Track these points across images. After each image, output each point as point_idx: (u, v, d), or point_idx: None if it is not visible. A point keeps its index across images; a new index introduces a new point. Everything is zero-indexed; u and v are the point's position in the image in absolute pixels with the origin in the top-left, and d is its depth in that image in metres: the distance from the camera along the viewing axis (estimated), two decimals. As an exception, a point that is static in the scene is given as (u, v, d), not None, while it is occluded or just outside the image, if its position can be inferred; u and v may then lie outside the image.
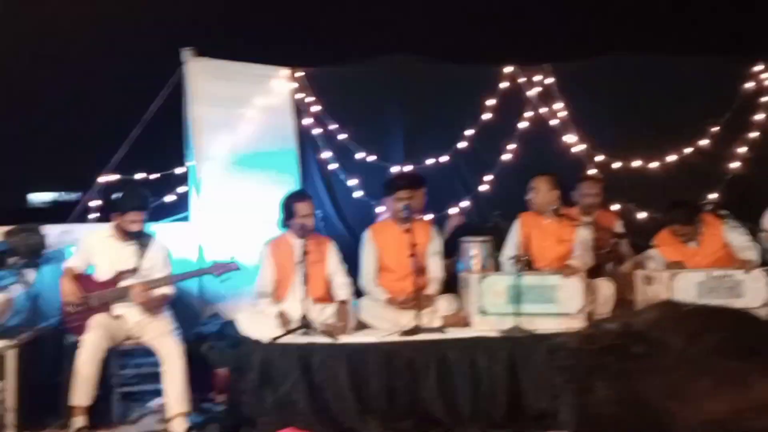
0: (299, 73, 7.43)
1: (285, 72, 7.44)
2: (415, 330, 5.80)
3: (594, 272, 6.61)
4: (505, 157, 7.57)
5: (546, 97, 7.68)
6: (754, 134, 7.84)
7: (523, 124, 7.63)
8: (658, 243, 6.68)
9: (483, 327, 5.84)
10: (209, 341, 6.12)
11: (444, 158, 7.52)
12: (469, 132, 7.55)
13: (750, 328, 0.81)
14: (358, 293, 6.31)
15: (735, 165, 7.75)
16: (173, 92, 7.03)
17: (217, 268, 6.03)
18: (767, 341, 0.80)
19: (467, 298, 6.09)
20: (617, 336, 0.82)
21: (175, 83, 7.02)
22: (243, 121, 7.15)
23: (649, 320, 0.84)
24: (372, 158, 7.41)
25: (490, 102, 7.58)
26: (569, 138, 7.67)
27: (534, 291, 5.93)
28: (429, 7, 7.67)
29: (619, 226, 7.19)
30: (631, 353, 0.80)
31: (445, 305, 6.19)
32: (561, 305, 5.91)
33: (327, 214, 7.28)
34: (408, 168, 7.37)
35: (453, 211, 7.49)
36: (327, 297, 6.18)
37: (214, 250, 6.65)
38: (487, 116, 7.58)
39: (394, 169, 7.39)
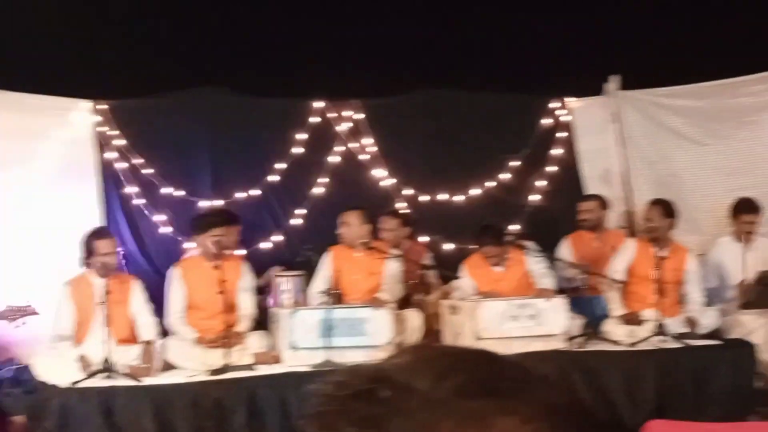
0: (102, 106, 7.19)
1: (86, 104, 7.17)
2: (224, 369, 5.68)
3: (403, 303, 6.75)
4: (316, 191, 7.60)
5: (356, 132, 7.78)
6: (551, 168, 8.25)
7: (333, 159, 7.69)
8: (468, 266, 6.88)
9: (294, 362, 5.80)
10: (3, 388, 5.76)
11: (255, 192, 7.46)
12: (279, 166, 7.53)
13: (491, 367, 0.82)
14: (165, 332, 6.12)
15: (534, 197, 8.12)
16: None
17: (11, 313, 5.69)
18: (506, 379, 0.81)
19: (278, 333, 6.04)
20: (366, 381, 0.82)
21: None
22: (38, 156, 6.81)
23: (400, 364, 0.84)
24: (180, 193, 7.25)
25: (301, 136, 7.61)
26: (378, 172, 7.80)
27: (344, 324, 5.97)
28: (237, 39, 7.61)
29: (427, 258, 7.38)
30: (378, 398, 0.79)
31: (256, 342, 6.11)
32: (371, 337, 5.97)
33: (130, 252, 7.04)
34: (217, 203, 7.25)
35: (265, 245, 7.43)
36: (131, 338, 5.97)
37: (9, 293, 6.26)
38: (297, 150, 7.59)
39: (203, 204, 7.26)
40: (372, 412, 0.79)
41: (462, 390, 0.78)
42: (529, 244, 6.88)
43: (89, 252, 5.86)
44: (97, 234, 6.00)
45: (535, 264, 6.76)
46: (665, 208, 6.88)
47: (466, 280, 6.82)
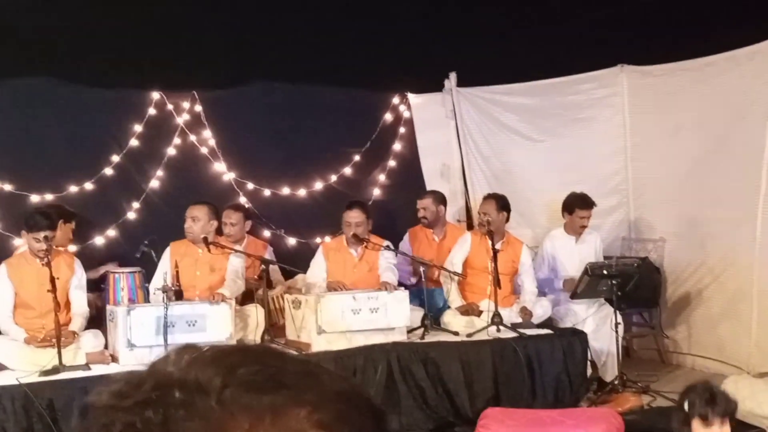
0: None
1: None
2: (57, 369, 5.44)
3: (245, 299, 6.67)
4: (154, 184, 7.38)
5: (195, 123, 7.61)
6: (392, 162, 8.35)
7: (171, 151, 7.49)
8: (325, 248, 6.85)
9: (131, 361, 5.61)
10: None
11: (89, 185, 7.16)
12: (115, 158, 7.26)
13: (275, 361, 0.82)
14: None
15: (376, 192, 8.20)
16: None
17: None
18: (292, 372, 0.80)
19: (114, 332, 5.83)
20: (152, 386, 0.78)
21: None
22: None
23: (180, 365, 0.81)
24: (9, 187, 6.87)
25: (137, 128, 7.37)
26: (219, 166, 7.67)
27: (183, 321, 5.84)
28: (74, 28, 7.25)
29: (269, 253, 7.32)
30: (169, 402, 0.77)
31: (89, 342, 5.87)
32: (211, 333, 5.86)
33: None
34: (49, 197, 6.92)
35: (99, 240, 7.15)
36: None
37: None
38: (134, 142, 7.35)
39: (35, 199, 6.91)
40: (166, 416, 0.76)
41: (252, 385, 0.78)
42: (384, 242, 6.92)
43: None
44: None
45: (383, 258, 6.82)
46: (499, 202, 7.10)
47: (318, 263, 6.77)
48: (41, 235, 5.70)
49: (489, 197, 7.22)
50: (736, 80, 7.41)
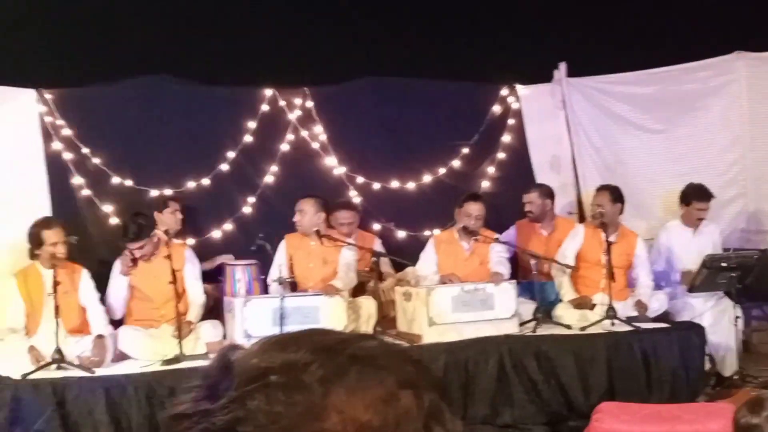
0: (48, 95, 7.05)
1: (32, 94, 7.02)
2: (178, 358, 5.64)
3: (357, 291, 6.76)
4: (268, 179, 7.55)
5: (306, 119, 7.74)
6: (501, 155, 8.30)
7: (284, 147, 7.65)
8: (437, 240, 6.88)
9: (248, 351, 5.76)
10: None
11: (205, 181, 7.39)
12: (230, 154, 7.46)
13: (341, 337, 0.88)
14: (113, 321, 6.07)
15: (485, 184, 8.17)
16: None
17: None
18: (362, 347, 0.86)
19: (232, 322, 6.01)
20: (246, 381, 0.82)
21: None
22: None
23: (260, 351, 0.85)
24: (129, 183, 7.14)
25: (251, 124, 7.55)
26: (330, 160, 7.78)
27: (298, 312, 5.96)
28: (187, 28, 7.51)
29: (379, 246, 7.39)
30: (268, 387, 0.81)
31: (208, 332, 6.07)
32: (324, 325, 5.96)
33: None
34: (167, 192, 7.17)
35: (216, 234, 7.36)
36: (82, 328, 5.89)
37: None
38: (248, 138, 7.53)
39: (154, 194, 7.17)
40: (270, 401, 0.80)
41: (334, 359, 0.83)
42: (495, 234, 6.91)
43: (37, 243, 5.76)
44: (44, 224, 5.90)
45: (494, 251, 6.80)
46: (613, 194, 6.98)
47: (429, 256, 6.80)
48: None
49: (602, 188, 7.11)
50: None
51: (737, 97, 8.25)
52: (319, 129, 7.76)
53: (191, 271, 6.29)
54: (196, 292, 6.25)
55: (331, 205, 6.93)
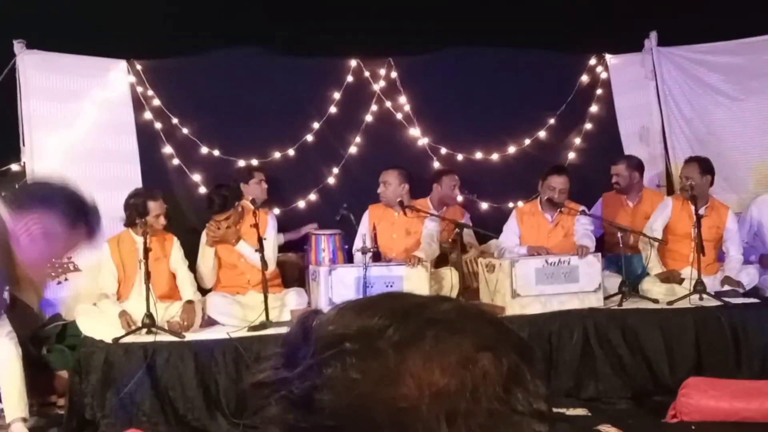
0: (138, 66, 7.21)
1: (123, 64, 7.20)
2: (264, 325, 5.75)
3: (440, 262, 6.77)
4: (352, 150, 7.59)
5: (390, 90, 7.74)
6: (589, 126, 8.17)
7: (368, 118, 7.67)
8: (519, 212, 6.83)
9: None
10: (48, 343, 5.87)
11: (291, 151, 7.47)
12: (315, 125, 7.53)
13: (419, 304, 0.87)
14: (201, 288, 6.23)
15: (571, 156, 8.06)
16: (6, 86, 6.67)
17: (54, 269, 5.76)
18: (438, 310, 0.85)
19: (317, 290, 6.09)
20: (322, 347, 0.83)
21: (7, 77, 6.66)
22: (80, 117, 6.86)
23: (337, 318, 0.86)
24: (217, 153, 7.27)
25: (336, 95, 7.59)
26: (413, 131, 7.78)
27: (381, 281, 6.01)
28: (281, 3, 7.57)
29: (465, 218, 7.38)
30: (344, 354, 0.81)
31: (293, 299, 6.16)
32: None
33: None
34: (255, 162, 7.28)
35: (301, 204, 7.45)
36: (172, 294, 6.06)
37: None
38: (332, 109, 7.58)
39: (241, 164, 7.29)
40: (344, 367, 0.81)
41: (408, 324, 0.82)
42: (580, 207, 6.82)
43: (141, 212, 5.90)
44: (149, 195, 6.06)
45: (579, 223, 6.72)
46: (702, 166, 6.80)
47: (512, 228, 6.76)
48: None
49: (691, 160, 6.93)
50: None
51: (835, 66, 7.92)
52: (403, 100, 7.76)
53: (269, 234, 6.36)
54: (270, 255, 6.30)
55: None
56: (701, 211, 6.47)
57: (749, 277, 6.70)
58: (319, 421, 0.80)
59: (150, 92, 7.20)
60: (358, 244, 6.46)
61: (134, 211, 5.95)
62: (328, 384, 0.80)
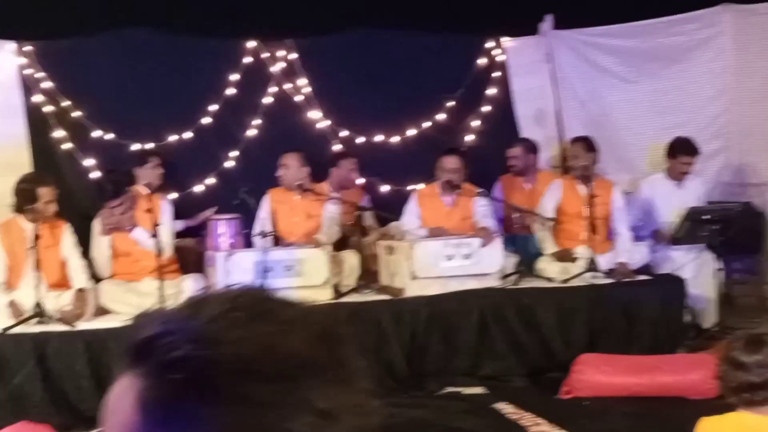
0: (27, 47, 6.97)
1: (11, 46, 6.95)
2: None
3: (340, 245, 6.76)
4: (250, 132, 7.51)
5: (289, 72, 7.68)
6: (486, 108, 8.26)
7: (267, 100, 7.59)
8: (419, 195, 6.85)
9: (230, 304, 5.76)
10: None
11: (187, 134, 7.34)
12: (212, 107, 7.41)
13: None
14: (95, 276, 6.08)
15: (470, 138, 8.15)
16: None
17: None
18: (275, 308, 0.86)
19: (214, 276, 6.01)
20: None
21: None
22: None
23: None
24: (110, 136, 7.09)
25: (234, 77, 7.48)
26: (313, 114, 7.73)
27: (281, 265, 5.97)
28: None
29: (365, 201, 7.39)
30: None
31: (191, 285, 6.08)
32: (307, 278, 5.99)
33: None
34: (149, 145, 7.13)
35: (198, 188, 7.34)
36: (63, 282, 5.89)
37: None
38: (230, 91, 7.47)
39: (135, 147, 7.12)
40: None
41: (239, 320, 0.82)
42: (478, 189, 6.88)
43: (29, 199, 5.71)
44: (38, 180, 5.86)
45: (479, 205, 6.79)
46: (587, 144, 6.98)
47: (411, 210, 6.80)
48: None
49: (577, 140, 7.14)
50: None
51: (723, 49, 8.19)
52: (302, 82, 7.71)
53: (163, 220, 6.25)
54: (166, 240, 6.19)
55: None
56: (590, 190, 6.61)
57: (640, 254, 6.91)
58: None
59: (40, 74, 6.97)
60: (257, 228, 6.40)
61: (23, 197, 5.76)
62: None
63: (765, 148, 7.83)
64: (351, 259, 6.43)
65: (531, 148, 7.58)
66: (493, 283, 6.36)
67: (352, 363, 0.86)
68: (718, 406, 2.94)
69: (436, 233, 6.56)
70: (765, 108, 7.86)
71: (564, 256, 6.76)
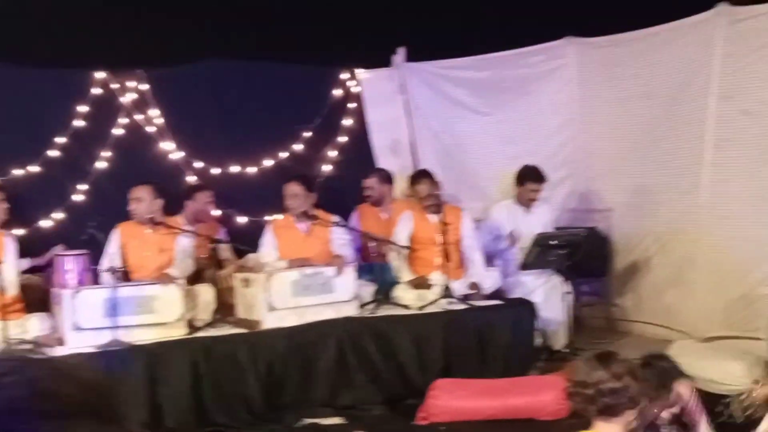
0: None
1: None
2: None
3: (195, 279, 6.64)
4: (100, 165, 7.30)
5: (141, 103, 7.52)
6: (343, 138, 8.34)
7: (117, 131, 7.41)
8: (275, 226, 6.78)
9: (78, 344, 5.56)
10: None
11: (34, 168, 7.07)
12: (60, 139, 7.17)
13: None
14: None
15: (327, 167, 8.19)
16: None
17: None
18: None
19: (60, 315, 5.78)
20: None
21: None
22: None
23: None
24: (-52, 171, 6.76)
25: (82, 108, 7.27)
26: (166, 145, 7.60)
27: (132, 302, 5.79)
28: (11, 7, 7.13)
29: (220, 232, 7.30)
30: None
31: (37, 325, 5.83)
32: (160, 314, 5.85)
33: None
34: (-8, 180, 6.82)
35: (46, 223, 7.07)
36: None
37: None
38: (79, 123, 7.26)
39: (-22, 182, 6.80)
40: None
41: None
42: (334, 217, 6.90)
43: None
44: None
45: (336, 234, 6.81)
46: (428, 177, 7.14)
47: (268, 241, 6.73)
48: None
49: (417, 176, 7.27)
50: (680, 50, 7.50)
51: (568, 80, 8.56)
52: (155, 113, 7.57)
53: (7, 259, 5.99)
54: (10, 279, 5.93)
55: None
56: (442, 218, 6.75)
57: (492, 279, 7.09)
58: None
59: None
60: (104, 264, 6.21)
61: None
62: None
63: (608, 175, 8.20)
64: (206, 293, 6.32)
65: (386, 178, 7.70)
66: (351, 312, 6.38)
67: (121, 408, 0.86)
68: (567, 426, 3.04)
69: (296, 264, 6.52)
70: (608, 137, 8.24)
71: (419, 283, 6.86)
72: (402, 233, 7.01)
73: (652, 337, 7.42)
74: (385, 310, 6.55)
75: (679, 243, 7.40)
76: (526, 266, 7.15)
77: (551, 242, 7.03)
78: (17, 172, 7.02)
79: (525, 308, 6.77)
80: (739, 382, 5.17)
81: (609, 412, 2.84)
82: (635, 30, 7.91)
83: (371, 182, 7.63)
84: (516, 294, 7.15)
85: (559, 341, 7.13)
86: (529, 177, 7.47)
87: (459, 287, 6.77)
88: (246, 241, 7.15)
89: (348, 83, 8.48)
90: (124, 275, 6.19)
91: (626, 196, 7.99)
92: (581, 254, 7.12)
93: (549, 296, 7.16)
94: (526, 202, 7.51)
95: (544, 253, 7.03)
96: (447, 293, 6.57)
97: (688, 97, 7.35)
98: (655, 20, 7.70)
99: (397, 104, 8.56)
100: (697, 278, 7.17)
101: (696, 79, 7.28)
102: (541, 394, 5.64)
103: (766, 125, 6.70)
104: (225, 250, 7.15)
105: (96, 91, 7.37)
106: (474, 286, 6.87)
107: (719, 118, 7.05)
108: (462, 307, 6.56)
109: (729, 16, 7.04)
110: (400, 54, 8.49)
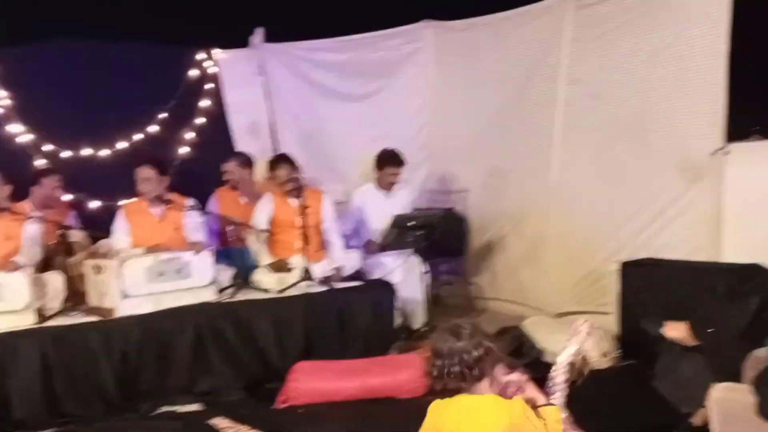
0: None
1: None
2: None
3: (44, 266, 6.39)
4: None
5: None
6: (200, 120, 8.19)
7: (-40, 114, 7.06)
8: (126, 210, 6.58)
9: None
10: None
11: None
12: None
13: None
14: None
15: (184, 150, 8.03)
16: None
17: None
18: None
19: None
20: None
21: None
22: None
23: None
24: None
25: None
26: (15, 128, 7.28)
27: (-25, 291, 5.54)
28: None
29: (71, 217, 7.06)
30: None
31: None
32: (7, 303, 5.62)
33: None
34: None
35: None
36: None
37: None
38: None
39: None
40: None
41: None
42: (188, 201, 6.76)
43: None
44: None
45: (189, 218, 6.68)
46: (287, 161, 7.07)
47: (121, 227, 6.54)
48: None
49: (275, 161, 7.19)
50: (532, 34, 7.71)
51: (425, 64, 8.68)
52: (2, 94, 7.24)
53: None
54: None
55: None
56: (302, 201, 6.73)
57: (352, 261, 7.13)
58: None
59: None
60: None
61: None
62: None
63: (464, 157, 8.38)
64: (55, 280, 6.09)
65: (246, 162, 7.61)
66: (209, 297, 6.29)
67: None
68: (426, 403, 3.11)
69: (152, 251, 6.36)
70: (464, 119, 8.40)
71: (279, 266, 6.82)
72: (262, 216, 6.95)
73: (508, 314, 7.64)
74: (245, 295, 6.48)
75: (531, 222, 7.64)
76: (384, 247, 7.22)
77: (409, 223, 7.12)
78: None
79: (385, 289, 6.83)
80: (590, 355, 5.41)
81: (470, 378, 2.96)
82: (490, 14, 8.07)
83: (230, 166, 7.53)
84: (376, 275, 7.21)
85: (418, 320, 7.25)
86: (388, 161, 7.54)
87: (319, 270, 6.77)
88: (99, 226, 6.95)
89: (205, 64, 8.32)
90: (-33, 265, 5.91)
91: (481, 177, 8.18)
92: (438, 235, 7.24)
93: (408, 276, 7.25)
94: (386, 185, 7.58)
95: (402, 234, 7.11)
96: (307, 276, 6.55)
97: (540, 81, 7.57)
98: (512, 4, 7.87)
99: (256, 86, 8.46)
100: (549, 256, 7.43)
101: (546, 62, 7.50)
102: (399, 373, 5.71)
103: (611, 109, 6.97)
104: (76, 236, 6.91)
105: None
106: (334, 270, 6.88)
107: (568, 102, 7.29)
108: (322, 289, 6.57)
109: (577, 1, 7.28)
110: (259, 34, 8.38)
